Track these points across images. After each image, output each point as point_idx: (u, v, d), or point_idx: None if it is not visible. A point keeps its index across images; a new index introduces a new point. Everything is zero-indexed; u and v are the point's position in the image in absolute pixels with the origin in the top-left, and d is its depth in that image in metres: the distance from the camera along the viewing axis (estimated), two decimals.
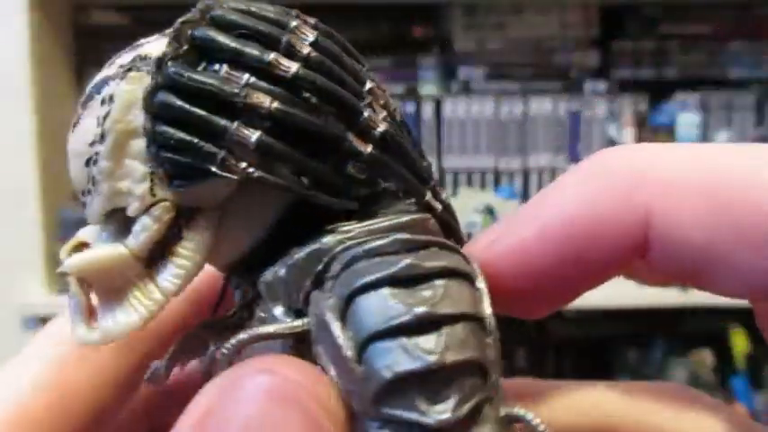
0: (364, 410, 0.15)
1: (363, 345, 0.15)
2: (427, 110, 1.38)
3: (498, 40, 1.39)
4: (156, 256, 0.19)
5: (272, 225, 0.19)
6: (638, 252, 0.18)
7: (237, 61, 0.18)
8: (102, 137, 0.18)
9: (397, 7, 1.39)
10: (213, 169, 0.18)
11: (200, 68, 0.18)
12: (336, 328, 0.16)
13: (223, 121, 0.18)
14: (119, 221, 0.20)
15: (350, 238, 0.18)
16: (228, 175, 0.18)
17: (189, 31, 0.19)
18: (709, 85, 1.39)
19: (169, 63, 0.18)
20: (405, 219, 0.19)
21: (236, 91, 0.18)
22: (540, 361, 1.43)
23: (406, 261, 0.16)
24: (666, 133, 1.38)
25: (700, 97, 1.37)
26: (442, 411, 0.15)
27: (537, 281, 0.18)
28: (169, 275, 0.19)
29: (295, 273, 0.18)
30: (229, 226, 0.19)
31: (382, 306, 0.15)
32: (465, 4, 1.38)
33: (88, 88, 0.19)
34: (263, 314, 0.18)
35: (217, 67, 0.18)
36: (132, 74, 0.19)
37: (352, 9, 1.38)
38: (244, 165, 0.18)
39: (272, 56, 0.18)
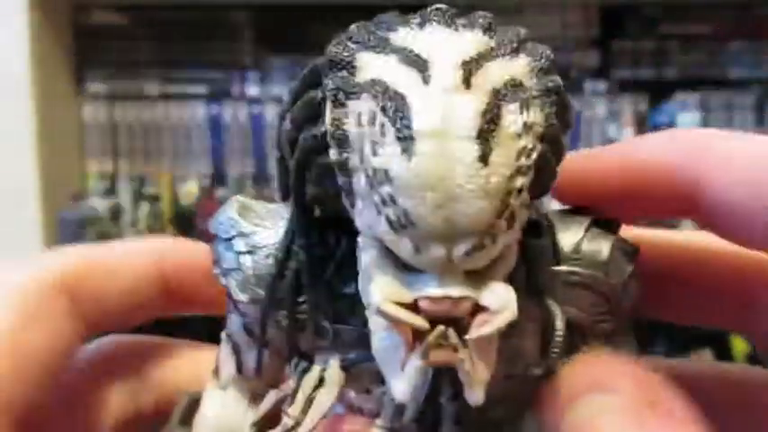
0: None
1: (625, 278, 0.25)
2: None
3: None
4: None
5: None
6: (686, 206, 0.22)
7: None
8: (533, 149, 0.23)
9: (399, 8, 1.38)
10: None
11: None
12: None
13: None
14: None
15: None
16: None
17: None
18: (708, 85, 1.39)
19: None
20: None
21: None
22: None
23: None
24: None
25: (699, 97, 1.37)
26: None
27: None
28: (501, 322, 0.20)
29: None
30: None
31: None
32: (465, 5, 1.38)
33: None
34: None
35: None
36: None
37: (352, 9, 1.38)
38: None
39: None
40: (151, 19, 1.37)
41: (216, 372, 0.30)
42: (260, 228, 0.26)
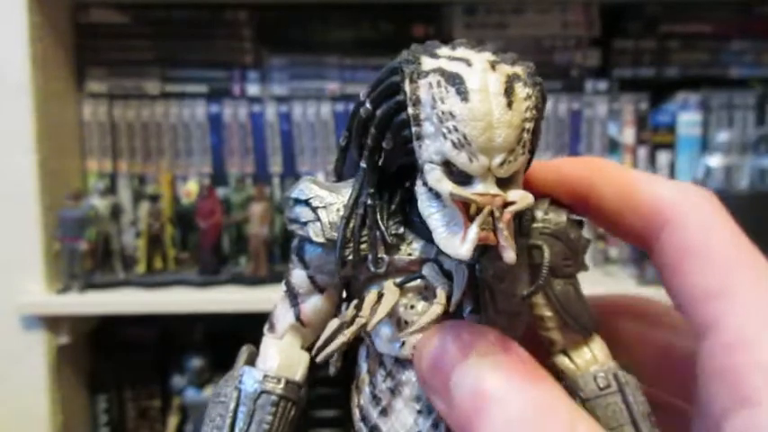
0: (569, 269, 0.37)
1: (578, 240, 0.39)
2: None
3: (498, 40, 1.39)
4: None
5: None
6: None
7: None
8: (529, 123, 0.35)
9: (398, 7, 1.38)
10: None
11: None
12: None
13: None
14: (508, 180, 0.35)
15: None
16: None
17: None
18: (709, 85, 1.39)
19: None
20: None
21: None
22: (540, 361, 1.43)
23: None
24: (667, 132, 1.38)
25: (700, 96, 1.37)
26: None
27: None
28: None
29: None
30: None
31: None
32: (465, 4, 1.38)
33: None
34: None
35: None
36: None
37: (352, 9, 1.38)
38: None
39: None
40: (151, 18, 1.37)
41: (271, 327, 0.41)
42: (328, 193, 0.38)
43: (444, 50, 0.35)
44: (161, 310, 1.18)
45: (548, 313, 0.43)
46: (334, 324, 0.38)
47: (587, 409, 0.43)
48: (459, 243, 0.34)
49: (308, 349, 0.42)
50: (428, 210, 0.35)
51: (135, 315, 1.22)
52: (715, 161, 1.32)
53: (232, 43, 1.38)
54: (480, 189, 0.33)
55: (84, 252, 1.19)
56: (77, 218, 1.19)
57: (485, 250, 0.34)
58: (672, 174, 1.37)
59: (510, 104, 0.34)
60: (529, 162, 0.36)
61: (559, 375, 0.42)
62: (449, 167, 0.34)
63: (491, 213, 0.33)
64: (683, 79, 1.40)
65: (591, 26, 1.40)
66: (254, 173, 1.37)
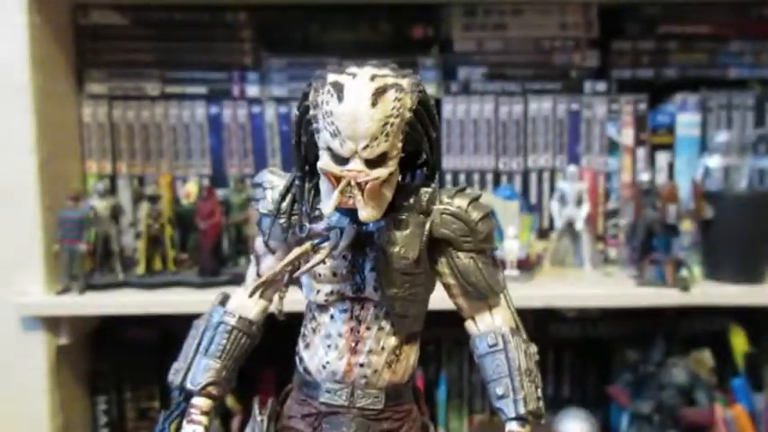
0: (471, 245, 0.60)
1: (478, 221, 0.61)
2: None
3: (498, 41, 1.40)
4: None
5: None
6: None
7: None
8: (396, 116, 0.56)
9: (398, 8, 1.39)
10: (423, 147, 0.60)
11: None
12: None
13: (433, 130, 0.60)
14: (382, 160, 0.55)
15: None
16: (426, 151, 0.60)
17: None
18: (708, 86, 1.39)
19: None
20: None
21: None
22: (540, 361, 1.43)
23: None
24: (666, 133, 1.38)
25: (699, 97, 1.37)
26: None
27: None
28: (386, 198, 0.57)
29: (424, 199, 0.61)
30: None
31: None
32: (464, 5, 1.38)
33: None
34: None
35: None
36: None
37: (353, 10, 1.38)
38: (426, 150, 0.61)
39: None
40: (151, 20, 1.37)
41: (243, 283, 0.66)
42: (278, 178, 0.62)
43: (350, 68, 0.54)
44: (161, 310, 1.18)
45: (451, 281, 0.62)
46: (271, 270, 0.61)
47: (480, 365, 0.63)
48: (327, 202, 0.55)
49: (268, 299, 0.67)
50: (323, 186, 0.56)
51: (135, 316, 1.22)
52: (714, 162, 1.32)
53: (231, 45, 1.38)
54: (350, 167, 0.53)
55: (83, 253, 1.19)
56: (77, 219, 1.19)
57: (355, 214, 0.55)
58: (671, 174, 1.37)
59: (374, 104, 0.53)
60: (406, 150, 0.56)
61: (469, 337, 0.62)
62: (332, 152, 0.54)
63: (358, 185, 0.53)
64: (681, 80, 1.41)
65: (590, 27, 1.40)
66: (253, 174, 1.37)
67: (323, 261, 0.59)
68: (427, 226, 0.59)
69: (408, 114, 0.55)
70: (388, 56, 1.37)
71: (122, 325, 1.32)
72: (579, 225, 1.32)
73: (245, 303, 0.67)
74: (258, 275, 0.66)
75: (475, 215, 0.60)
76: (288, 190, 0.62)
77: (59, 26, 1.29)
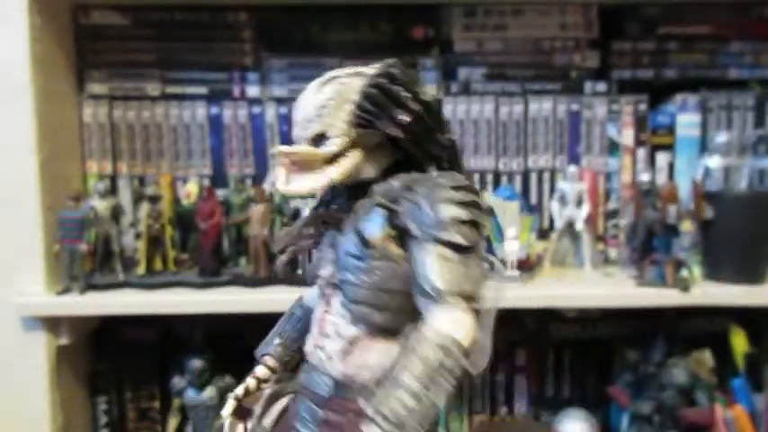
0: (425, 235, 0.55)
1: (437, 206, 0.56)
2: None
3: (498, 41, 1.40)
4: (331, 160, 0.59)
5: (385, 168, 0.61)
6: None
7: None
8: (332, 99, 0.59)
9: (398, 8, 1.39)
10: (382, 126, 0.58)
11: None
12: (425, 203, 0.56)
13: (396, 108, 0.59)
14: (321, 139, 0.59)
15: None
16: (388, 131, 0.58)
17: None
18: (708, 86, 1.39)
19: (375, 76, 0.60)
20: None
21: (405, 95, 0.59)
22: (540, 361, 1.43)
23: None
24: (666, 134, 1.38)
25: (699, 98, 1.37)
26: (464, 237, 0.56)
27: None
28: (335, 171, 0.59)
29: (396, 185, 0.59)
30: (368, 161, 0.60)
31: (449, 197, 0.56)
32: (464, 6, 1.38)
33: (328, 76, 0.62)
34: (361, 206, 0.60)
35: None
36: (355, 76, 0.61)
37: (352, 11, 1.38)
38: (394, 132, 0.58)
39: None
40: (151, 20, 1.37)
41: None
42: None
43: (329, 72, 0.62)
44: (161, 311, 1.18)
45: (412, 273, 0.58)
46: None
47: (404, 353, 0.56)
48: (280, 178, 0.60)
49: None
50: None
51: (135, 316, 1.22)
52: (714, 162, 1.32)
53: (232, 45, 1.38)
54: (297, 147, 0.59)
55: (84, 253, 1.19)
56: (78, 219, 1.19)
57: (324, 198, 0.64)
58: (671, 174, 1.37)
59: (317, 91, 0.59)
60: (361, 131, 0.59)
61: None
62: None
63: (292, 163, 0.59)
64: (681, 80, 1.41)
65: (590, 28, 1.40)
66: (253, 174, 1.37)
67: (312, 245, 0.64)
68: (387, 212, 0.57)
69: (354, 96, 0.59)
70: (389, 56, 1.38)
71: (123, 325, 1.32)
72: (579, 225, 1.32)
73: (311, 293, 0.71)
74: None
75: (438, 200, 0.56)
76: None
77: (60, 26, 1.29)
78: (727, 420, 1.25)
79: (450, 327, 0.54)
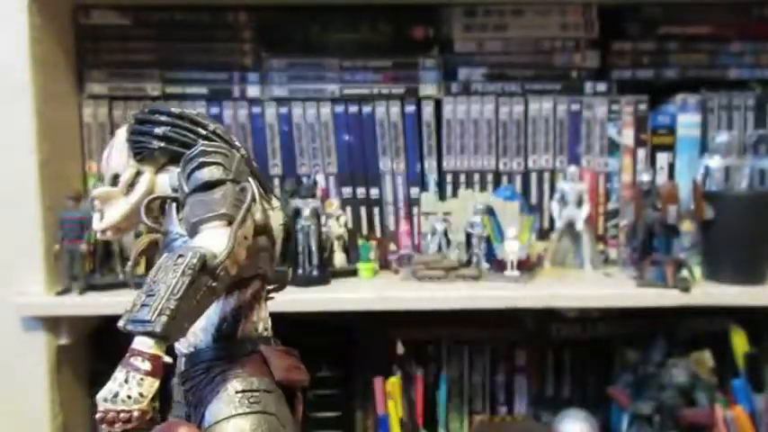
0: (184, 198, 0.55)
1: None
2: (427, 110, 1.38)
3: (498, 41, 1.40)
4: (128, 192, 0.62)
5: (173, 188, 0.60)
6: None
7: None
8: (112, 147, 0.63)
9: (398, 8, 1.39)
10: (147, 145, 0.61)
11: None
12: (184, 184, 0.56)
13: (151, 126, 0.62)
14: (116, 180, 0.63)
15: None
16: (153, 147, 0.61)
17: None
18: (708, 86, 1.39)
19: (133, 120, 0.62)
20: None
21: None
22: (540, 361, 1.43)
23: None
24: (667, 134, 1.38)
25: (699, 98, 1.37)
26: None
27: None
28: (132, 197, 0.62)
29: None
30: (163, 175, 0.62)
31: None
32: (464, 6, 1.38)
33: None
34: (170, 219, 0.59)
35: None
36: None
37: (352, 11, 1.38)
38: (156, 144, 0.61)
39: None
40: (152, 20, 1.37)
41: None
42: None
43: None
44: None
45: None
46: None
47: None
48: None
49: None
50: None
51: None
52: (714, 162, 1.32)
53: (232, 45, 1.38)
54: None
55: (84, 253, 1.19)
56: (78, 219, 1.19)
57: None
58: (671, 174, 1.37)
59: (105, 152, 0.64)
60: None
61: None
62: None
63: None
64: (682, 81, 1.41)
65: (590, 28, 1.40)
66: None
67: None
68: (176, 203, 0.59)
69: (122, 135, 0.64)
70: (389, 56, 1.38)
71: None
72: (579, 225, 1.32)
73: None
74: None
75: (190, 160, 0.58)
76: None
77: (60, 26, 1.29)
78: (728, 421, 1.25)
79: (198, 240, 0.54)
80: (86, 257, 1.20)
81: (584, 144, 1.39)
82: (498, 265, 1.25)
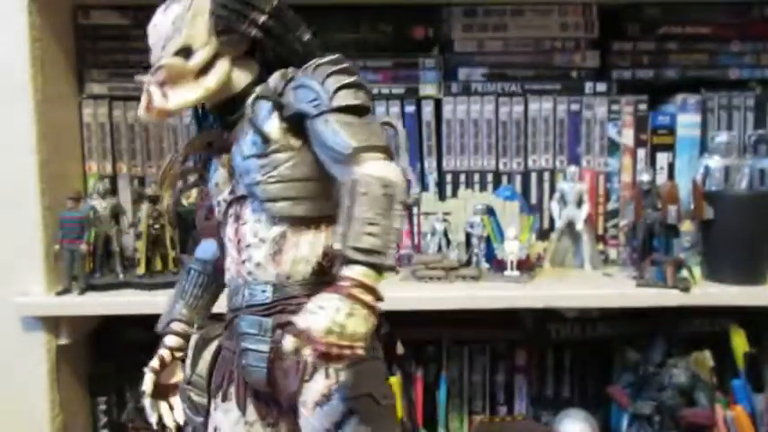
0: (321, 109, 0.58)
1: (324, 81, 0.59)
2: (427, 110, 1.38)
3: (498, 41, 1.40)
4: (201, 72, 0.59)
5: (254, 80, 0.63)
6: None
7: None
8: (187, 10, 0.59)
9: (398, 8, 1.39)
10: (242, 29, 0.60)
11: None
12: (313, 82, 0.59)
13: (251, 10, 0.60)
14: (186, 53, 0.59)
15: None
16: (248, 33, 0.61)
17: None
18: (708, 86, 1.39)
19: None
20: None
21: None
22: (540, 361, 1.43)
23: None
24: (667, 134, 1.38)
25: (699, 98, 1.37)
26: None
27: None
28: (210, 80, 0.60)
29: (275, 80, 0.60)
30: (236, 71, 0.62)
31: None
32: (465, 6, 1.38)
33: None
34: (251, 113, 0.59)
35: None
36: None
37: (353, 10, 1.38)
38: (254, 32, 0.61)
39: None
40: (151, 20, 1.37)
41: None
42: None
43: None
44: (161, 311, 1.17)
45: (320, 154, 0.58)
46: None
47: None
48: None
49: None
50: None
51: (135, 316, 1.22)
52: (714, 162, 1.32)
53: None
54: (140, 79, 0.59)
55: (84, 253, 1.19)
56: (78, 219, 1.19)
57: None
58: (671, 174, 1.37)
59: (164, 11, 0.59)
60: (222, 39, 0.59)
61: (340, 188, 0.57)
62: None
63: (158, 83, 0.58)
64: (682, 81, 1.41)
65: (590, 28, 1.40)
66: None
67: (198, 180, 0.69)
68: (274, 107, 0.59)
69: (207, 5, 0.59)
70: (389, 56, 1.38)
71: (122, 325, 1.32)
72: (579, 225, 1.32)
73: (201, 246, 0.75)
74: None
75: (320, 74, 0.59)
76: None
77: (60, 26, 1.29)
78: (728, 421, 1.25)
79: (378, 170, 0.55)
80: (86, 257, 1.20)
81: (584, 144, 1.38)
82: (498, 265, 1.25)
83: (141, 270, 1.25)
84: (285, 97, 0.59)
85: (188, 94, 0.58)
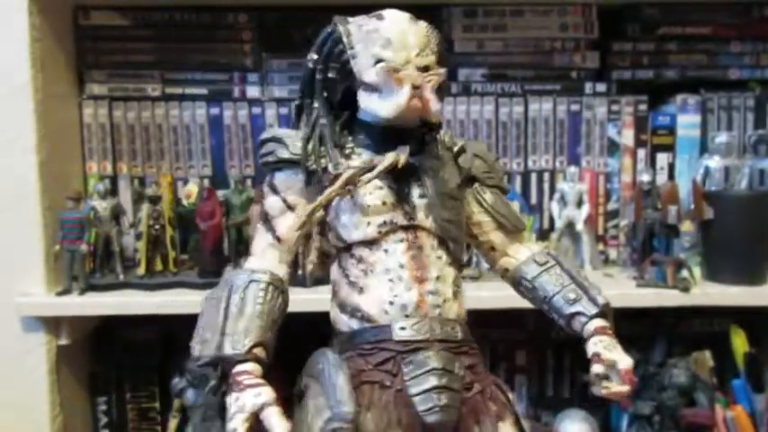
0: (493, 182, 0.69)
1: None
2: None
3: (498, 42, 1.40)
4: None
5: None
6: None
7: None
8: (434, 32, 0.68)
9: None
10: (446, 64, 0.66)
11: None
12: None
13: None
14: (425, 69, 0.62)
15: None
16: (445, 70, 0.64)
17: None
18: (708, 86, 1.39)
19: None
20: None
21: None
22: (540, 361, 1.43)
23: None
24: (666, 134, 1.38)
25: (699, 98, 1.37)
26: None
27: None
28: (438, 100, 0.63)
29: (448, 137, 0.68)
30: None
31: None
32: (464, 6, 1.38)
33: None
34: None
35: None
36: None
37: (352, 11, 1.38)
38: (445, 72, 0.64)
39: None
40: (152, 20, 1.37)
41: (250, 254, 0.62)
42: (289, 131, 0.63)
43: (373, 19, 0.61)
44: (161, 311, 1.18)
45: (484, 218, 0.64)
46: (303, 208, 0.60)
47: (534, 287, 0.67)
48: (393, 102, 0.57)
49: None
50: (368, 101, 0.59)
51: (135, 316, 1.22)
52: (714, 162, 1.32)
53: (232, 46, 1.38)
54: (407, 72, 0.58)
55: (84, 253, 1.19)
56: (78, 219, 1.19)
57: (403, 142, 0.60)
58: (671, 175, 1.37)
59: (414, 21, 0.61)
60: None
61: (506, 272, 0.68)
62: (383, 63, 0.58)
63: (416, 87, 0.57)
64: (682, 81, 1.41)
65: (590, 28, 1.40)
66: (254, 174, 1.37)
67: (369, 184, 0.60)
68: (456, 160, 0.65)
69: (439, 41, 0.64)
70: None
71: (123, 325, 1.32)
72: (579, 226, 1.32)
73: (271, 264, 0.61)
74: (276, 238, 0.61)
75: (492, 155, 0.68)
76: (312, 132, 0.63)
77: (60, 27, 1.29)
78: (728, 421, 1.25)
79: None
80: (87, 258, 1.20)
81: (584, 144, 1.39)
82: None
83: (141, 270, 1.25)
84: (459, 155, 0.67)
85: (437, 105, 0.61)
